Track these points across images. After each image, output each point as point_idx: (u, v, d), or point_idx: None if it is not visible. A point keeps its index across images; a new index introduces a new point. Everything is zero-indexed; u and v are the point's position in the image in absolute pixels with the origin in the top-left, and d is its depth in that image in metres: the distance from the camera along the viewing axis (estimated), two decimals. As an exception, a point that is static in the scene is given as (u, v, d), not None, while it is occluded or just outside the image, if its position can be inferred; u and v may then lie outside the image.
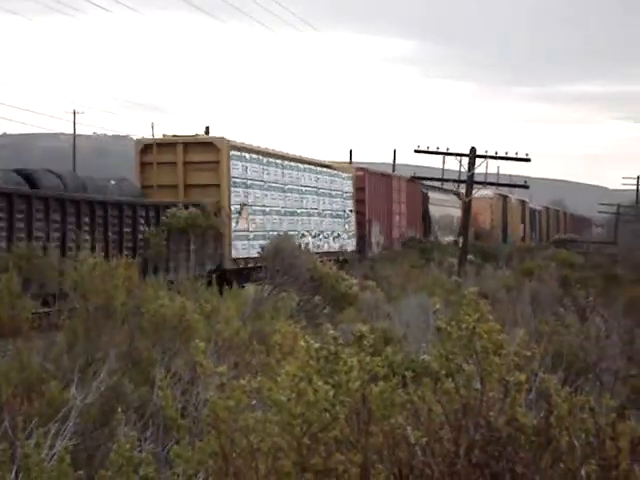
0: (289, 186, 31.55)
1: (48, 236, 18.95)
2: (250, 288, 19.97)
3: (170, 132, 28.61)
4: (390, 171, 52.22)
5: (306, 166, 33.33)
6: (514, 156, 36.54)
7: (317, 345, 4.73)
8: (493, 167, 51.70)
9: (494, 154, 36.46)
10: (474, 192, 48.65)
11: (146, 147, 27.37)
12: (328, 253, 32.89)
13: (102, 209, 21.19)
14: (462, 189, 38.23)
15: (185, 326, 10.65)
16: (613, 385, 10.53)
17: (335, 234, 35.52)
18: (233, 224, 26.80)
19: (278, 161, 30.88)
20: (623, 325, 12.25)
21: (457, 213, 51.45)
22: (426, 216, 48.95)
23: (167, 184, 26.63)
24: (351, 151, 68.35)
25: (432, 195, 50.49)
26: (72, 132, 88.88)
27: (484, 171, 37.54)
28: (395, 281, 27.21)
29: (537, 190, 79.97)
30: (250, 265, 26.61)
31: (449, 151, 37.15)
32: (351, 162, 52.22)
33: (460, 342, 5.15)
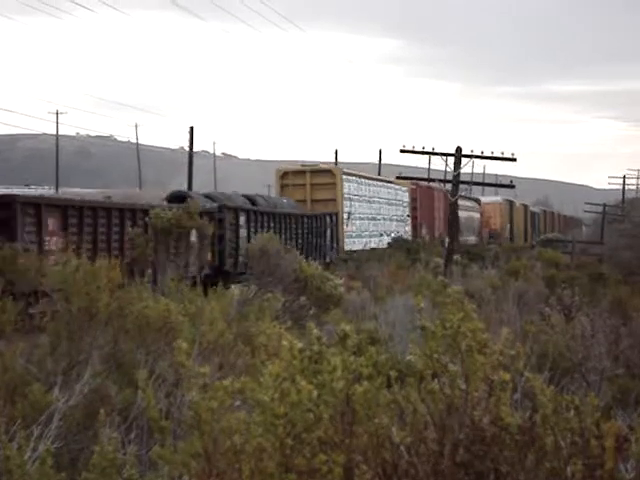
0: (373, 198, 44.20)
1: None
2: (235, 289, 19.93)
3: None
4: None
5: (381, 183, 46.34)
6: (500, 156, 36.56)
7: (300, 345, 4.69)
8: (479, 167, 53.53)
9: (480, 154, 36.48)
10: (486, 198, 57.78)
11: (284, 174, 39.86)
12: None
13: (288, 218, 33.22)
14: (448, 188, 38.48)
15: (169, 328, 10.58)
16: (599, 385, 10.51)
17: (399, 234, 47.54)
18: (344, 227, 39.15)
19: (366, 180, 43.59)
20: (609, 324, 12.23)
21: (477, 216, 64.27)
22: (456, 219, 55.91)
23: (299, 199, 37.86)
24: (337, 151, 68.66)
25: (460, 202, 58.94)
26: (55, 133, 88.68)
27: (470, 171, 37.61)
28: (381, 281, 27.21)
29: (523, 190, 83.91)
30: (354, 255, 37.86)
31: (435, 151, 37.18)
32: (337, 162, 57.13)
33: (444, 341, 5.12)
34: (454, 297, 5.28)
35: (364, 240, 42.12)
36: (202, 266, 25.51)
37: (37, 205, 19.89)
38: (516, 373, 5.19)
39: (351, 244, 40.73)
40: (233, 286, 21.50)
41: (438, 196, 54.58)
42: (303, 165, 40.35)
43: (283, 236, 31.18)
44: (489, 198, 70.34)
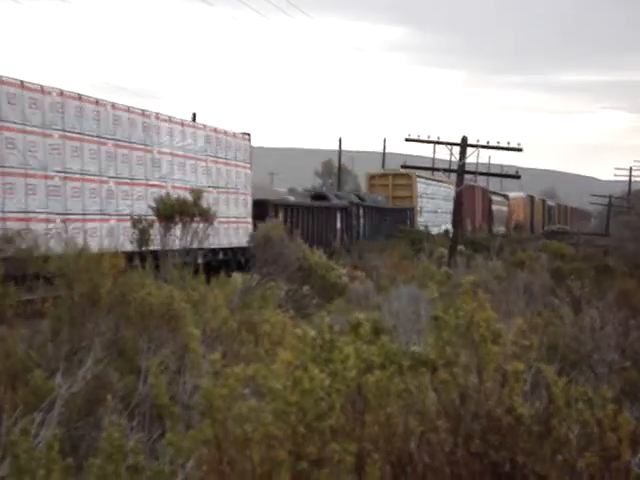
0: (434, 195, 57.62)
1: (368, 225, 45.26)
2: (237, 277, 19.85)
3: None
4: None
5: (439, 183, 57.77)
6: (506, 146, 36.34)
7: (313, 333, 4.60)
8: (484, 157, 54.82)
9: (485, 143, 36.27)
10: (512, 194, 76.50)
11: (372, 176, 54.85)
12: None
13: (384, 211, 47.95)
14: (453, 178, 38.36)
15: (172, 315, 10.49)
16: (607, 377, 10.43)
17: (448, 225, 56.82)
18: (418, 218, 52.76)
19: (429, 181, 55.68)
20: (617, 317, 12.14)
21: (505, 209, 76.12)
22: (490, 213, 70.33)
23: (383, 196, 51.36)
24: (340, 139, 68.74)
25: (493, 198, 72.69)
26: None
27: (475, 161, 37.36)
28: (385, 271, 27.10)
29: (528, 180, 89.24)
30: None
31: (440, 140, 36.99)
32: (340, 151, 59.70)
33: (457, 331, 5.05)
34: (467, 287, 5.20)
35: (429, 228, 54.36)
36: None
37: (275, 205, 33.57)
38: (528, 364, 5.12)
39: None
40: (235, 274, 21.46)
41: (477, 193, 66.23)
42: (385, 170, 55.91)
43: (383, 224, 46.49)
44: (515, 194, 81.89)
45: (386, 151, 73.70)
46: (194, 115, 30.37)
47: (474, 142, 36.30)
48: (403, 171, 50.92)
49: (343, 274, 21.32)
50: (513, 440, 4.69)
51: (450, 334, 5.05)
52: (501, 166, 63.39)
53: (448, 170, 37.92)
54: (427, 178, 54.94)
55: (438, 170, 40.17)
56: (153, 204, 21.67)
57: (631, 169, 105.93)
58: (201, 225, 21.54)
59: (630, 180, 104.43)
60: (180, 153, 26.42)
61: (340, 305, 17.77)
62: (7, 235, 17.78)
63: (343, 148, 68.11)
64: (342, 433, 4.56)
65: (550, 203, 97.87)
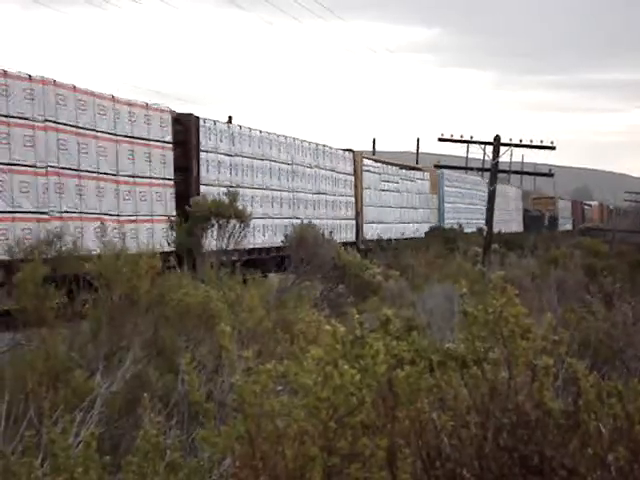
0: (560, 205, 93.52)
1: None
2: (274, 277, 19.95)
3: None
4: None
5: (564, 200, 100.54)
6: (539, 144, 36.14)
7: (343, 329, 4.67)
8: (517, 156, 54.78)
9: (518, 142, 36.07)
10: (592, 202, 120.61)
11: (534, 198, 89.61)
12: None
13: (554, 218, 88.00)
14: (486, 178, 38.28)
15: (209, 315, 10.60)
16: (640, 372, 10.41)
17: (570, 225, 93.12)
18: (559, 220, 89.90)
19: (560, 199, 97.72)
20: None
21: (589, 214, 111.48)
22: (584, 216, 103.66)
23: (541, 209, 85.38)
24: (374, 140, 68.69)
25: (584, 207, 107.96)
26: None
27: (508, 160, 37.26)
28: (419, 270, 27.05)
29: (561, 178, 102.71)
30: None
31: (473, 139, 36.84)
32: (374, 151, 59.56)
33: (487, 326, 5.09)
34: (497, 282, 5.24)
35: (564, 225, 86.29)
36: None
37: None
38: (558, 359, 5.15)
39: (561, 227, 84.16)
40: (271, 274, 21.56)
41: (577, 204, 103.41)
42: (542, 194, 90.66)
43: (553, 223, 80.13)
44: (592, 202, 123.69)
45: (419, 151, 73.52)
46: (230, 118, 30.37)
47: (507, 141, 36.12)
48: (551, 195, 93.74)
49: (377, 273, 21.31)
50: (542, 434, 4.74)
51: (479, 329, 5.10)
52: (534, 164, 67.74)
53: (481, 169, 37.80)
54: (560, 198, 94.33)
55: (472, 169, 40.05)
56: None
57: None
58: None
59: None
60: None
61: (374, 303, 17.79)
62: None
63: (377, 149, 68.05)
64: (373, 428, 4.63)
65: (611, 207, 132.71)
